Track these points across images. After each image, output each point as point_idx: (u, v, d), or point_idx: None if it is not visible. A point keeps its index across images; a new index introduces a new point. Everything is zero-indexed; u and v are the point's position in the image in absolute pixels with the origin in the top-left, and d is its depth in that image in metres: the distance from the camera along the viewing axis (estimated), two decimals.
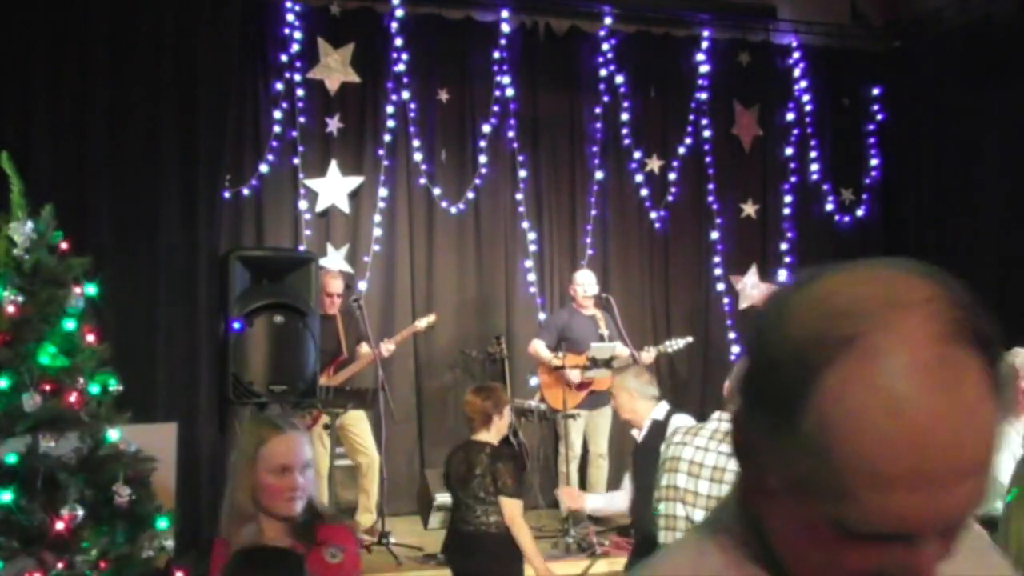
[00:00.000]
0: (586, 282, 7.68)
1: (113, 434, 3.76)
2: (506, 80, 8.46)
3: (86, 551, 3.55)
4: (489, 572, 4.95)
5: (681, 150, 9.01)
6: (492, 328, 8.40)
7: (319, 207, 8.13)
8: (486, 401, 4.98)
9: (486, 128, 8.45)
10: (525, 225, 8.60)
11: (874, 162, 9.52)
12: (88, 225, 5.22)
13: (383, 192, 8.21)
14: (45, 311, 3.69)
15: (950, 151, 8.86)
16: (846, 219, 9.47)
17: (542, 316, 8.48)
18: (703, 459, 3.46)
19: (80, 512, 3.52)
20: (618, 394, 5.10)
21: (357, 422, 7.16)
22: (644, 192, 8.93)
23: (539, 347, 7.60)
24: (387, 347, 7.26)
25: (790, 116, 9.30)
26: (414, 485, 7.23)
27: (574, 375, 7.37)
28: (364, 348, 7.27)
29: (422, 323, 7.61)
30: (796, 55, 9.24)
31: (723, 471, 3.41)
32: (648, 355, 7.56)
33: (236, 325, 5.89)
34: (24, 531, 3.48)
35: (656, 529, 3.58)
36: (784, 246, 9.28)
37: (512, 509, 4.81)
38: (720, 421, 3.58)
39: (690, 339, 7.81)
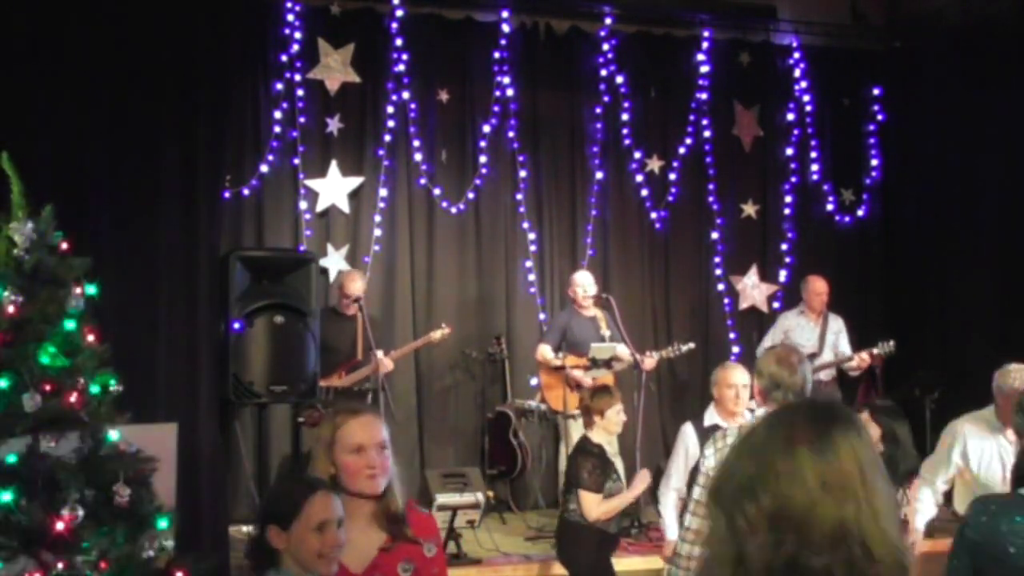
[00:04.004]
0: (585, 283, 7.67)
1: (113, 434, 3.75)
2: (506, 80, 8.46)
3: (86, 551, 3.54)
4: (566, 554, 5.47)
5: (681, 150, 9.02)
6: (492, 328, 8.40)
7: (319, 207, 8.13)
8: (590, 400, 5.45)
9: (486, 128, 8.45)
10: (525, 225, 8.60)
11: (874, 162, 9.52)
12: (88, 225, 5.21)
13: (383, 192, 8.21)
14: (45, 311, 3.67)
15: (950, 151, 8.86)
16: (846, 219, 9.47)
17: (542, 316, 8.48)
18: None
19: (80, 512, 3.51)
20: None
21: None
22: (644, 192, 8.93)
23: (546, 352, 7.58)
24: (387, 361, 7.32)
25: (790, 116, 9.30)
26: (414, 485, 7.22)
27: (587, 377, 7.34)
28: (380, 354, 7.33)
29: (436, 335, 7.60)
30: (796, 55, 9.24)
31: None
32: (651, 360, 7.55)
33: (236, 325, 5.89)
34: (24, 531, 3.47)
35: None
36: (784, 246, 9.28)
37: (585, 501, 5.22)
38: (755, 417, 3.59)
39: (692, 345, 7.79)
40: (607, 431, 5.37)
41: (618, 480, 5.36)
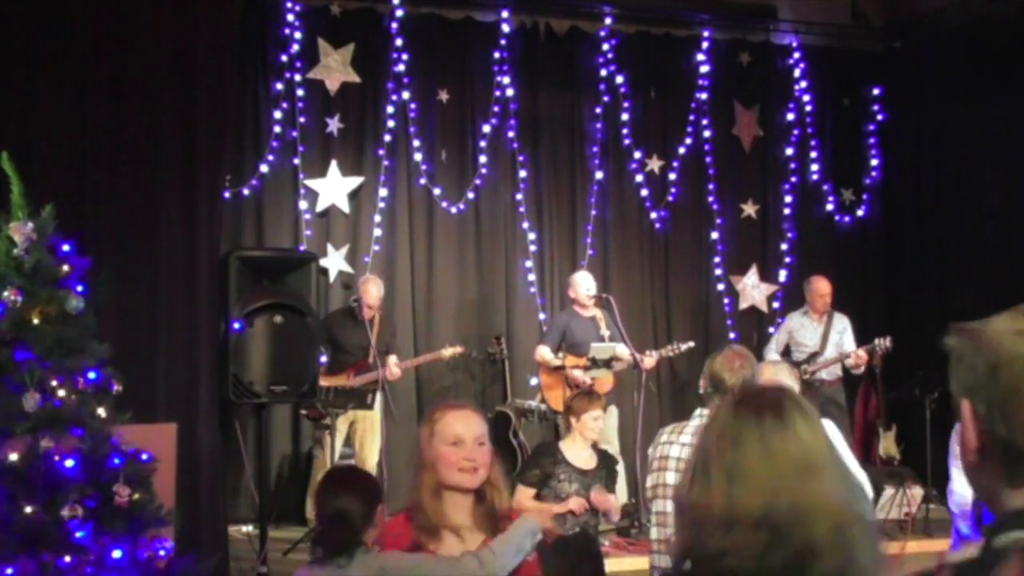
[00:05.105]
0: (586, 283, 7.68)
1: (113, 434, 3.76)
2: (506, 80, 8.46)
3: (86, 551, 3.55)
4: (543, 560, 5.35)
5: (681, 150, 9.01)
6: (492, 328, 8.39)
7: (319, 207, 8.13)
8: (572, 400, 5.45)
9: (486, 128, 8.45)
10: (525, 225, 8.60)
11: (874, 162, 9.53)
12: (88, 225, 5.21)
13: (383, 192, 8.21)
14: (45, 311, 3.68)
15: (950, 151, 8.86)
16: (846, 219, 9.48)
17: (542, 316, 8.48)
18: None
19: (80, 512, 3.52)
20: None
21: (374, 424, 7.24)
22: (644, 192, 8.93)
23: (545, 353, 7.59)
24: (396, 369, 7.37)
25: (790, 116, 9.30)
26: None
27: (587, 377, 7.34)
28: (394, 359, 7.38)
29: (447, 352, 7.62)
30: (796, 55, 9.24)
31: None
32: (650, 359, 7.54)
33: (236, 325, 5.88)
34: (24, 531, 3.48)
35: (650, 526, 3.67)
36: (784, 246, 9.28)
37: (515, 493, 5.06)
38: (702, 417, 3.63)
39: (692, 344, 7.80)
40: (581, 435, 5.25)
41: (566, 482, 5.21)
